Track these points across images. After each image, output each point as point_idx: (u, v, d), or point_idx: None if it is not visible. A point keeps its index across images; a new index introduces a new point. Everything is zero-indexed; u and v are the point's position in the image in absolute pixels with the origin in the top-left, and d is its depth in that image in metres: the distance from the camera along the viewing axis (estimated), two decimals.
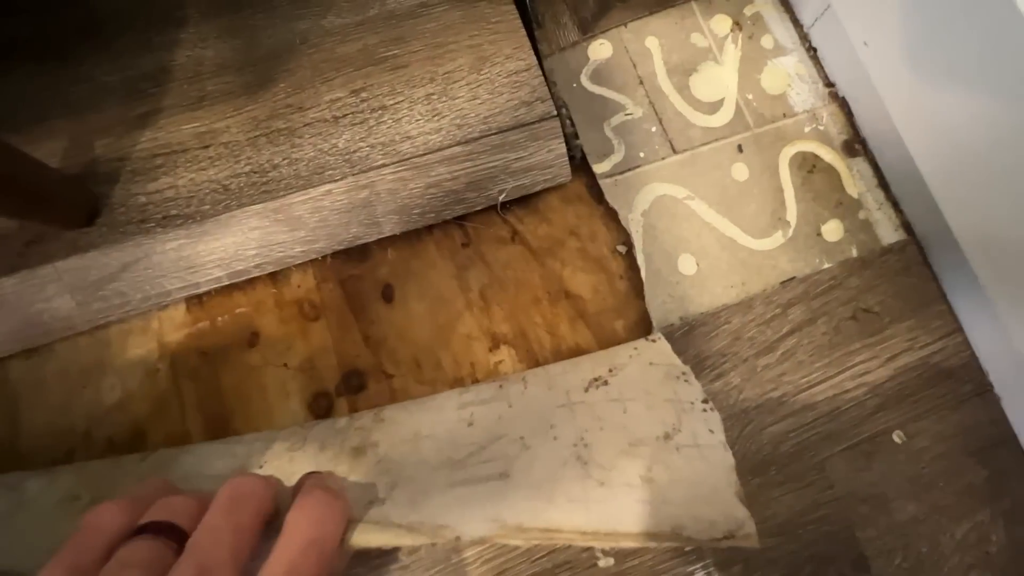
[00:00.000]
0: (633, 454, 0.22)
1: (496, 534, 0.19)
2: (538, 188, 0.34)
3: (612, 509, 0.20)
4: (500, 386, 0.29)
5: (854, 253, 0.34)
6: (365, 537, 0.20)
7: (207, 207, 0.31)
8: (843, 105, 0.36)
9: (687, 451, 0.23)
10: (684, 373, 0.27)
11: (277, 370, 0.32)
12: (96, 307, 0.31)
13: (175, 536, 0.18)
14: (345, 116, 0.33)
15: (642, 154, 0.35)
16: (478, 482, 0.22)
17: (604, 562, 0.28)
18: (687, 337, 0.32)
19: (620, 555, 0.28)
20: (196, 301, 0.33)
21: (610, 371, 0.27)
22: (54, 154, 0.32)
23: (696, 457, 0.22)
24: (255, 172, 0.32)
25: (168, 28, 0.34)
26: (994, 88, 0.26)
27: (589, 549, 0.27)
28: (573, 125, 0.36)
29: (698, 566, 0.29)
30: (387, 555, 0.28)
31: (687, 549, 0.26)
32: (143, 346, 0.32)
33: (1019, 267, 0.28)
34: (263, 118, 0.33)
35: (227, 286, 0.33)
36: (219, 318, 0.33)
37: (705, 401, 0.25)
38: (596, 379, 0.27)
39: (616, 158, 0.35)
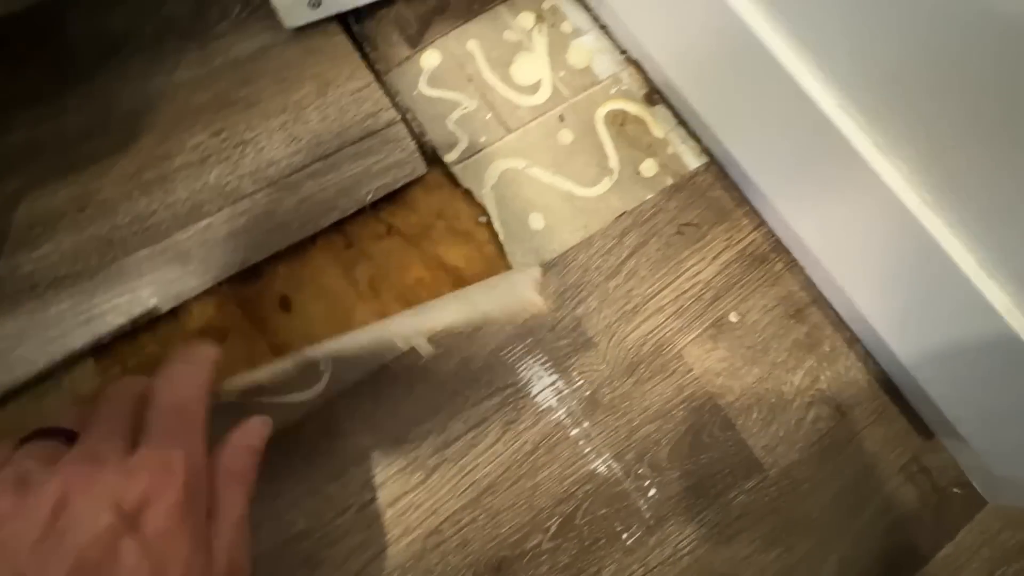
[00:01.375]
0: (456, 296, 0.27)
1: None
2: (400, 184, 0.39)
3: (423, 309, 0.25)
4: None
5: (669, 182, 0.41)
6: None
7: (94, 262, 0.34)
8: (636, 65, 0.44)
9: (501, 280, 0.29)
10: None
11: None
12: (2, 379, 0.33)
13: (70, 437, 0.21)
14: (211, 156, 0.37)
15: (483, 139, 0.41)
16: None
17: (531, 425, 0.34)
18: (544, 278, 0.38)
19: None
20: (104, 351, 0.35)
21: None
22: None
23: (509, 277, 0.29)
24: (135, 221, 0.35)
25: (26, 104, 0.36)
26: (716, 39, 0.33)
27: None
28: (421, 124, 0.41)
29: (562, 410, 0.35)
30: None
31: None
32: (56, 407, 0.34)
33: (778, 166, 0.36)
34: (133, 172, 0.36)
35: (131, 331, 0.35)
36: (129, 361, 0.35)
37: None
38: None
39: (462, 146, 0.41)
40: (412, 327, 0.25)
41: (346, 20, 0.42)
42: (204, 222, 0.36)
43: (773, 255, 0.40)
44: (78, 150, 0.36)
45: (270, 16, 0.40)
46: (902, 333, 0.34)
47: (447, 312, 0.25)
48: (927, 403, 0.37)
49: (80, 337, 0.34)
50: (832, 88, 0.29)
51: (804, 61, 0.30)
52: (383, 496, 0.33)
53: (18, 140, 0.36)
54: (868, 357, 0.39)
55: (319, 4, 0.38)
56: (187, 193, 0.36)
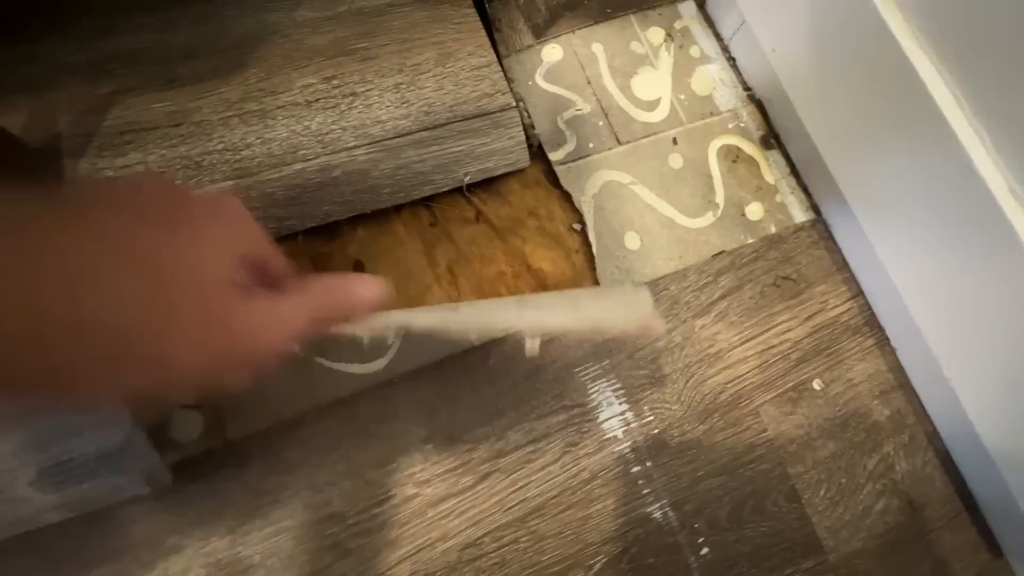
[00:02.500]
0: (571, 305, 0.24)
1: (437, 325, 0.21)
2: (500, 172, 0.37)
3: (543, 313, 0.23)
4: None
5: (773, 230, 0.39)
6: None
7: (179, 182, 0.32)
8: (759, 106, 0.42)
9: (616, 295, 0.27)
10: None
11: None
12: None
13: None
14: (318, 100, 0.35)
15: (591, 144, 0.39)
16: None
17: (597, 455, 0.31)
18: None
19: None
20: None
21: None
22: (12, 128, 0.31)
23: (623, 294, 0.26)
24: (228, 150, 0.33)
25: (134, 13, 0.35)
26: (873, 83, 0.32)
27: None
28: (530, 117, 0.39)
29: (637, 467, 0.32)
30: None
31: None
32: None
33: (906, 239, 0.34)
34: (235, 100, 0.34)
35: None
36: None
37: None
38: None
39: (569, 147, 0.39)
40: (517, 320, 0.22)
41: None
42: (297, 166, 0.34)
43: (866, 329, 0.38)
44: (181, 67, 0.34)
45: None
46: (1010, 437, 0.32)
47: (556, 313, 0.23)
48: (1006, 518, 0.34)
49: None
50: (1010, 170, 0.27)
51: (977, 129, 0.28)
52: (427, 494, 0.30)
53: (121, 47, 0.34)
54: (948, 457, 0.37)
55: None
56: (286, 133, 0.34)
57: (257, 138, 0.34)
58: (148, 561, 0.28)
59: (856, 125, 0.34)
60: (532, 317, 0.23)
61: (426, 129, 0.36)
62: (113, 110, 0.33)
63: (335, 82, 0.35)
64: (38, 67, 0.33)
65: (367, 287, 0.20)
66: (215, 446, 0.29)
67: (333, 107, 0.35)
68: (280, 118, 0.34)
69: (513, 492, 0.31)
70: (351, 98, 0.35)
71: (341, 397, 0.31)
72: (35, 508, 0.26)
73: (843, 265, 0.39)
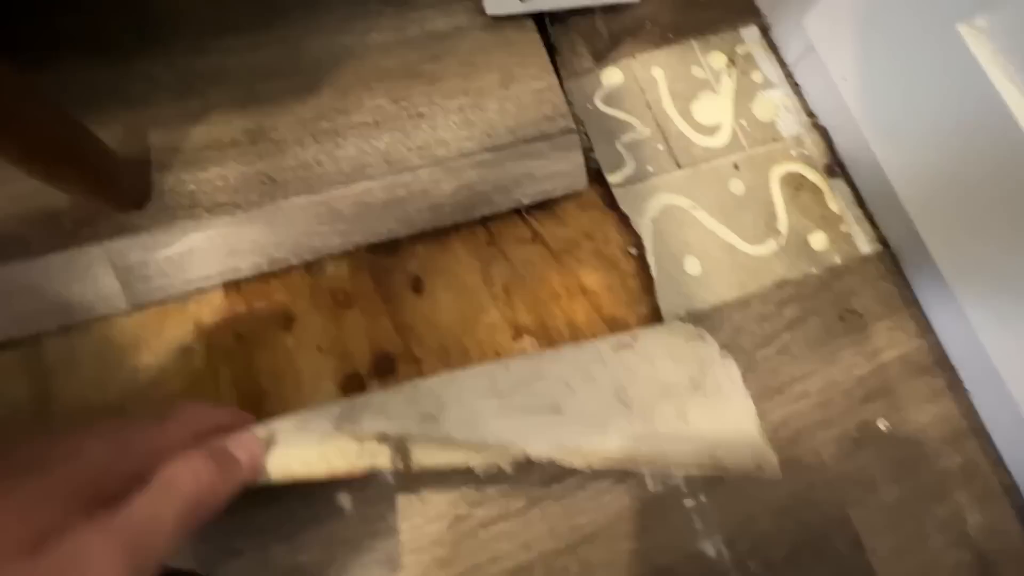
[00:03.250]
0: (667, 398, 0.24)
1: (559, 455, 0.21)
2: (558, 194, 0.37)
3: (658, 440, 0.22)
4: (530, 355, 0.31)
5: (838, 261, 0.38)
6: (433, 457, 0.21)
7: (254, 196, 0.33)
8: (823, 133, 0.41)
9: (713, 396, 0.25)
10: (700, 334, 0.30)
11: (310, 353, 0.34)
12: (139, 288, 0.32)
13: None
14: (386, 121, 0.36)
15: (650, 168, 0.39)
16: (531, 412, 0.23)
17: (652, 486, 0.30)
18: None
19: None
20: (234, 286, 0.34)
21: (633, 338, 0.30)
22: (108, 141, 0.33)
23: (722, 402, 0.25)
24: (301, 167, 0.34)
25: (222, 34, 0.37)
26: (958, 117, 0.31)
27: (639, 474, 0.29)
28: (589, 140, 0.40)
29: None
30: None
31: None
32: (180, 327, 0.33)
33: (986, 276, 0.33)
34: (310, 118, 0.35)
35: (265, 273, 0.35)
36: (256, 303, 0.34)
37: (723, 355, 0.28)
38: (622, 344, 0.29)
39: (627, 171, 0.39)
40: (634, 449, 0.22)
41: (542, 19, 0.41)
42: (364, 184, 0.35)
43: (937, 369, 0.36)
44: (261, 86, 0.36)
45: None
46: None
47: (679, 451, 0.22)
48: None
49: (219, 266, 0.33)
50: None
51: None
52: (478, 515, 0.30)
53: (208, 66, 0.36)
54: None
55: None
56: (355, 152, 0.35)
57: (328, 156, 0.35)
58: None
59: (938, 162, 0.33)
60: (648, 449, 0.23)
61: (488, 150, 0.36)
62: (198, 126, 0.35)
63: (403, 103, 0.37)
64: (133, 84, 0.35)
65: (249, 448, 0.19)
66: None
67: (400, 128, 0.36)
68: (350, 137, 0.35)
69: (564, 519, 0.31)
70: (417, 119, 0.36)
71: None
72: None
73: (911, 301, 0.38)
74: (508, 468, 0.21)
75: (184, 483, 0.17)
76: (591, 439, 0.22)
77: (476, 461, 0.21)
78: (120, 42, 0.36)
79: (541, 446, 0.21)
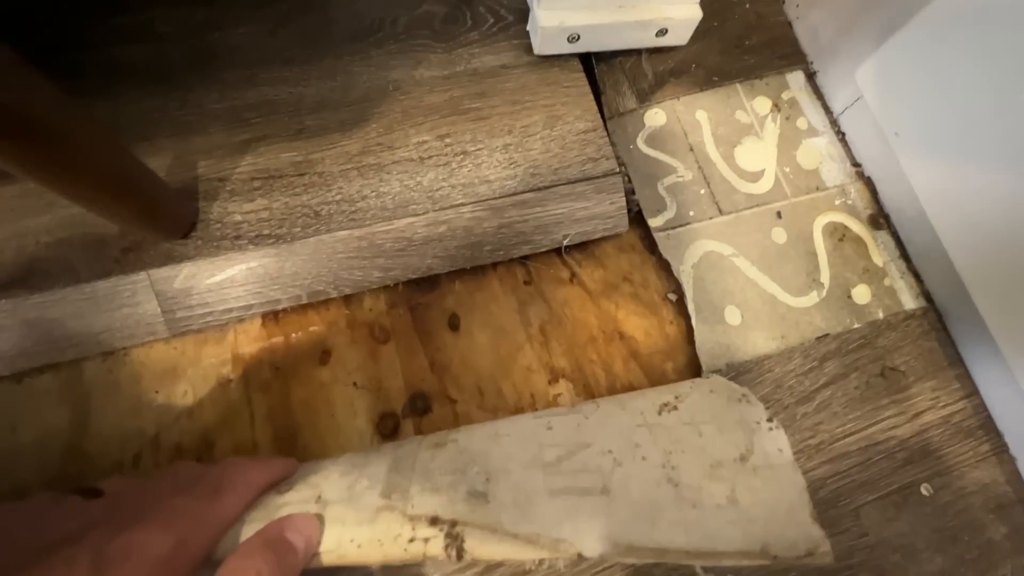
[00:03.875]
0: (716, 476, 0.24)
1: (611, 552, 0.21)
2: (598, 236, 0.37)
3: (708, 530, 0.22)
4: (572, 406, 0.31)
5: (880, 316, 0.37)
6: (488, 549, 0.21)
7: (298, 229, 0.34)
8: (868, 184, 0.40)
9: (763, 472, 0.25)
10: (744, 395, 0.29)
11: (346, 388, 0.33)
12: (180, 315, 0.33)
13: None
14: (431, 158, 0.36)
15: (692, 213, 0.39)
16: (580, 494, 0.23)
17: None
18: (734, 381, 0.34)
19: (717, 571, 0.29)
20: (272, 317, 0.35)
21: (676, 398, 0.29)
22: (159, 170, 0.34)
23: (772, 478, 0.24)
24: (345, 201, 0.35)
25: (274, 66, 0.37)
26: (1012, 175, 0.30)
27: (690, 567, 0.28)
28: (631, 182, 0.39)
29: None
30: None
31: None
32: (217, 356, 0.33)
33: None
34: (355, 153, 0.36)
35: (303, 305, 0.35)
36: (293, 335, 0.34)
37: (770, 420, 0.27)
38: (665, 404, 0.29)
39: (668, 214, 0.39)
40: (683, 547, 0.21)
41: (588, 59, 0.41)
42: (406, 220, 0.35)
43: (981, 432, 0.35)
44: (309, 119, 0.36)
45: (519, 36, 0.40)
46: None
47: (729, 540, 0.22)
48: None
49: (259, 297, 0.33)
50: None
51: None
52: None
53: (259, 97, 0.37)
54: None
55: (578, 39, 0.38)
56: (400, 188, 0.35)
57: (372, 191, 0.35)
58: None
59: (992, 221, 0.32)
60: (699, 540, 0.22)
61: (531, 191, 0.36)
62: (246, 157, 0.35)
63: (447, 140, 0.37)
64: (186, 114, 0.35)
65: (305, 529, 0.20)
66: None
67: (444, 164, 0.36)
68: (395, 172, 0.36)
69: None
70: (462, 156, 0.36)
71: None
72: None
73: (956, 360, 0.37)
74: (562, 567, 0.21)
75: None
76: (641, 531, 0.21)
77: (529, 556, 0.20)
78: (176, 73, 0.37)
79: (594, 544, 0.21)
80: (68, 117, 0.23)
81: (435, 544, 0.21)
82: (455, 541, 0.20)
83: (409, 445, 0.27)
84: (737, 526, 0.22)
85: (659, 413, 0.28)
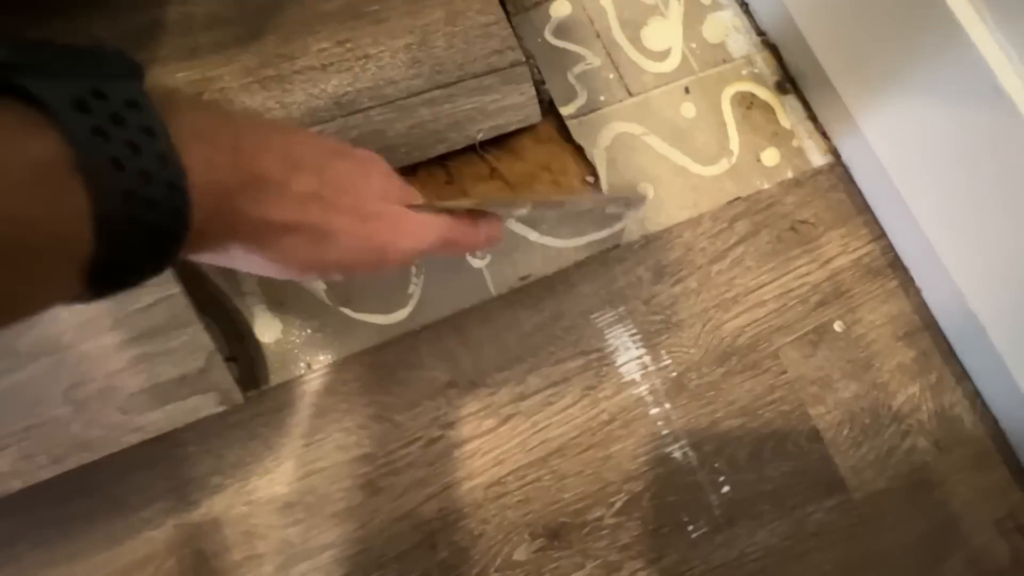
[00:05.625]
0: None
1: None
2: (512, 128, 0.38)
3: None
4: None
5: (790, 175, 0.39)
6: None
7: None
8: (774, 51, 0.41)
9: None
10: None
11: None
12: None
13: None
14: (332, 64, 0.36)
15: (602, 98, 0.39)
16: None
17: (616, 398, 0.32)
18: (646, 249, 0.36)
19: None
20: None
21: None
22: None
23: None
24: (250, 115, 0.34)
25: None
26: (892, 10, 0.31)
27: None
28: (540, 73, 0.40)
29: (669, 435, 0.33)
30: None
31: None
32: None
33: (931, 175, 0.33)
34: (254, 67, 0.35)
35: None
36: None
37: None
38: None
39: (580, 102, 0.39)
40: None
41: None
42: (315, 128, 0.35)
43: (889, 271, 0.38)
44: (202, 36, 0.36)
45: None
46: None
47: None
48: None
49: None
50: None
51: (1003, 46, 0.27)
52: (451, 436, 0.31)
53: (145, 19, 0.36)
54: (977, 397, 0.36)
55: None
56: (304, 97, 0.35)
57: (276, 103, 0.35)
58: (195, 499, 0.30)
59: (877, 58, 0.33)
60: None
61: (438, 88, 0.36)
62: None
63: (348, 45, 0.36)
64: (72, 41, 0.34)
65: (492, 228, 0.26)
66: (254, 394, 0.31)
67: (347, 70, 0.36)
68: (297, 83, 0.35)
69: (534, 433, 0.32)
70: (364, 60, 0.36)
71: (368, 347, 0.32)
72: (121, 430, 0.28)
73: (864, 208, 0.39)
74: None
75: (445, 224, 0.23)
76: None
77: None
78: (60, 2, 0.35)
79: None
80: None
81: None
82: None
83: None
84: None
85: None
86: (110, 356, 0.29)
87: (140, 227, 0.14)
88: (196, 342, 0.29)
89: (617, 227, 0.36)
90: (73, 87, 0.14)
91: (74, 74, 0.14)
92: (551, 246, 0.35)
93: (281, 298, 0.32)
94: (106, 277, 0.15)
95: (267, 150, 0.18)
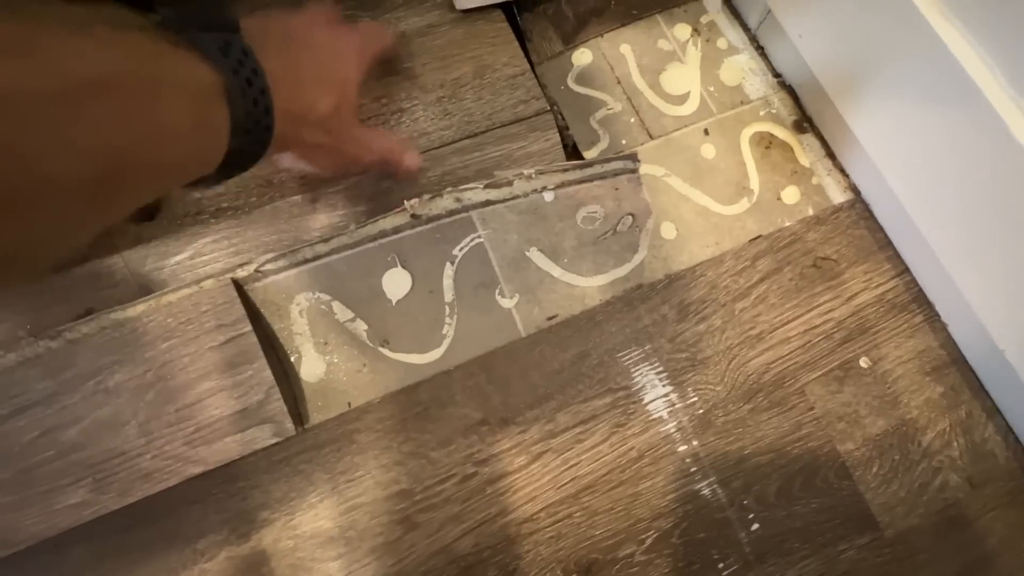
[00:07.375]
0: None
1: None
2: None
3: None
4: None
5: (810, 212, 0.40)
6: None
7: (254, 199, 0.36)
8: (790, 91, 0.43)
9: None
10: None
11: None
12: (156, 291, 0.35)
13: None
14: (370, 118, 0.38)
15: (624, 141, 0.41)
16: None
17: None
18: (670, 288, 0.37)
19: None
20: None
21: None
22: None
23: None
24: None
25: None
26: (899, 56, 0.32)
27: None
28: (564, 119, 0.42)
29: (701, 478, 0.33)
30: None
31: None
32: None
33: (953, 216, 0.34)
34: None
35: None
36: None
37: None
38: None
39: (602, 145, 0.41)
40: None
41: (511, 9, 0.43)
42: (354, 179, 0.37)
43: (914, 306, 0.38)
44: None
45: None
46: None
47: None
48: None
49: (224, 264, 0.36)
50: None
51: (1012, 95, 0.28)
52: (485, 472, 0.33)
53: None
54: (1009, 432, 0.36)
55: None
56: None
57: None
58: (245, 532, 0.32)
59: (888, 100, 0.34)
60: None
61: (467, 137, 0.39)
62: None
63: (383, 100, 0.39)
64: None
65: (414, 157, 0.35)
66: (299, 431, 0.32)
67: (383, 123, 0.38)
68: None
69: (565, 470, 0.33)
70: (399, 114, 0.39)
71: (404, 386, 0.34)
72: (185, 462, 0.30)
73: (886, 243, 0.39)
74: None
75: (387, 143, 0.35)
76: None
77: None
78: None
79: None
80: None
81: None
82: None
83: None
84: None
85: None
86: (185, 391, 0.31)
87: (252, 133, 0.23)
88: (259, 376, 0.32)
89: (636, 261, 0.37)
90: (218, 38, 0.22)
91: (216, 28, 0.22)
92: (575, 284, 0.37)
93: (326, 338, 0.34)
94: (231, 163, 0.23)
95: (306, 96, 0.27)
